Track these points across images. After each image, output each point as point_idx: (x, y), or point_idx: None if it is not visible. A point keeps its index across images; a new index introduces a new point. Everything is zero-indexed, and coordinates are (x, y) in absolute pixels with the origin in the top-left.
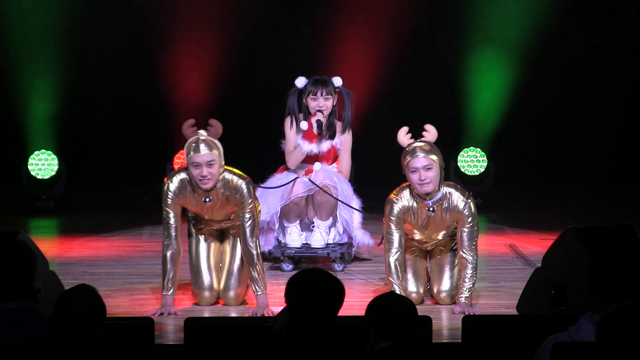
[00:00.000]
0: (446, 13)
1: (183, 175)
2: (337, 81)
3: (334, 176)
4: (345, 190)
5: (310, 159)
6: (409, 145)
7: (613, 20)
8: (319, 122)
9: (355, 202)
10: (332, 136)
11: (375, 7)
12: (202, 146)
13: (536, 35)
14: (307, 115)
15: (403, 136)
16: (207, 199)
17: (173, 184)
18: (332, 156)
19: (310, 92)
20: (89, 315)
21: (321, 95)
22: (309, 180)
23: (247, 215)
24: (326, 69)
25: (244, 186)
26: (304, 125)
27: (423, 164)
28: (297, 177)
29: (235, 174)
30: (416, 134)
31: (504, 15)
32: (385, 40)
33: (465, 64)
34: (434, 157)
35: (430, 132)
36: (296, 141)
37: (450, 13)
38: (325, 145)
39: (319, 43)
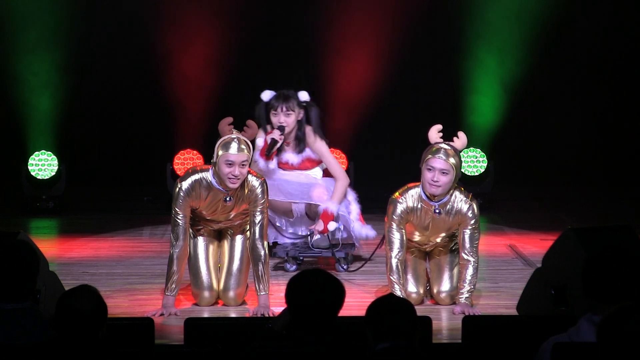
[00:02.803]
0: (446, 14)
1: (197, 176)
2: (303, 95)
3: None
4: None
5: (286, 166)
6: (436, 143)
7: (613, 20)
8: (273, 141)
9: (355, 209)
10: (301, 150)
11: (376, 8)
12: (242, 146)
13: (536, 36)
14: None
15: (434, 133)
16: (228, 198)
17: (185, 184)
18: (309, 167)
19: (271, 107)
20: (91, 315)
21: (282, 110)
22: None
23: (259, 215)
24: (324, 69)
25: (259, 185)
26: (259, 141)
27: (441, 167)
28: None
29: (250, 173)
30: (445, 136)
31: (503, 16)
32: (384, 41)
33: (465, 64)
34: (454, 163)
35: (460, 140)
36: (254, 156)
37: (450, 14)
38: (297, 158)
39: (319, 43)
